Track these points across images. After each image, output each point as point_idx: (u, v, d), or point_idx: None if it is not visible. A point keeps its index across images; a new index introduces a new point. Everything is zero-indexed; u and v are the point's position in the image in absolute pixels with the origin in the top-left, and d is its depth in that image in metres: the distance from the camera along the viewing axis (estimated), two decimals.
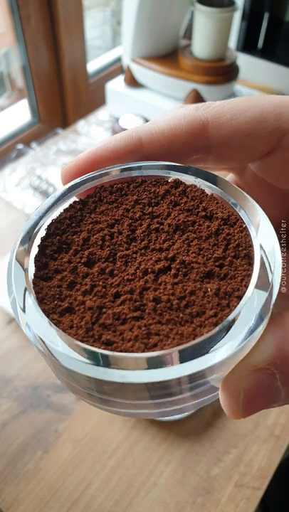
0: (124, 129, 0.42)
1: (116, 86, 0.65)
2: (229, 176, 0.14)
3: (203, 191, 0.11)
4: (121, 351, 0.09)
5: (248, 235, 0.10)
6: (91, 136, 0.65)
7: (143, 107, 0.63)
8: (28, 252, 0.11)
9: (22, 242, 0.11)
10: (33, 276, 0.11)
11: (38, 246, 0.11)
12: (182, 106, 0.12)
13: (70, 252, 0.11)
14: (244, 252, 0.10)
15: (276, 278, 0.10)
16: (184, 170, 0.12)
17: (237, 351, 0.09)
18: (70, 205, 0.12)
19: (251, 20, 0.71)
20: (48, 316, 0.10)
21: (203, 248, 0.10)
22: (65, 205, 0.12)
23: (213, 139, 0.12)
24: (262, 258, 0.10)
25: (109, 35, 0.93)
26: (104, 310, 0.10)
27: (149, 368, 0.09)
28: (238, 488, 0.33)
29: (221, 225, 0.11)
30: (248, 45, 0.73)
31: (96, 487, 0.33)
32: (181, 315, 0.09)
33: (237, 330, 0.09)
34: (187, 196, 0.12)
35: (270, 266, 0.10)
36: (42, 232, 0.11)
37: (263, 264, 0.10)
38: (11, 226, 0.52)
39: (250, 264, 0.10)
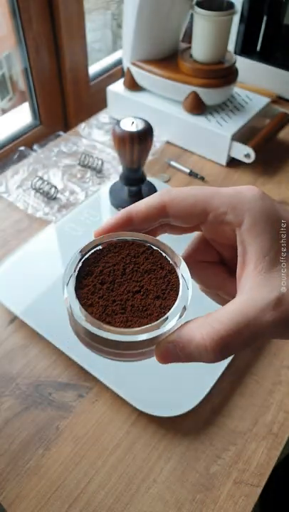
0: (125, 131, 0.41)
1: (116, 89, 0.66)
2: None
3: (160, 253, 0.22)
4: (113, 327, 0.20)
5: (178, 279, 0.21)
6: (92, 138, 0.65)
7: (143, 109, 0.63)
8: (74, 273, 0.22)
9: (73, 268, 0.22)
10: (74, 286, 0.22)
11: (78, 271, 0.22)
12: (160, 192, 0.22)
13: (92, 276, 0.22)
14: (174, 287, 0.21)
15: (188, 299, 0.21)
16: (153, 241, 0.22)
17: (165, 332, 0.19)
18: (94, 251, 0.23)
19: (250, 24, 0.71)
20: (82, 306, 0.21)
21: (157, 283, 0.21)
22: (92, 250, 0.23)
23: (170, 213, 0.21)
24: (183, 288, 0.21)
25: (109, 38, 0.93)
26: (108, 308, 0.20)
27: (122, 334, 0.19)
28: (236, 485, 0.34)
29: (166, 273, 0.22)
30: (246, 48, 0.74)
31: (97, 484, 0.34)
32: (143, 314, 0.20)
33: (169, 323, 0.20)
34: (153, 255, 0.22)
35: (187, 288, 0.21)
36: (80, 264, 0.22)
37: (182, 293, 0.21)
38: (14, 227, 0.53)
39: (177, 293, 0.21)
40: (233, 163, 0.61)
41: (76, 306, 0.21)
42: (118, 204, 0.51)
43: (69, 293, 0.21)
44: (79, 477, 0.34)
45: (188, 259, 0.24)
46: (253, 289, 0.19)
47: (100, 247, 0.23)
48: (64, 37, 0.65)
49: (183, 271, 0.21)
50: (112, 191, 0.52)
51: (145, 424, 0.36)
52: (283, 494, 0.46)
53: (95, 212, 0.51)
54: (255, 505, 0.33)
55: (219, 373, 0.38)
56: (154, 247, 0.22)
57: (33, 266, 0.46)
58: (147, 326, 0.19)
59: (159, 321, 0.19)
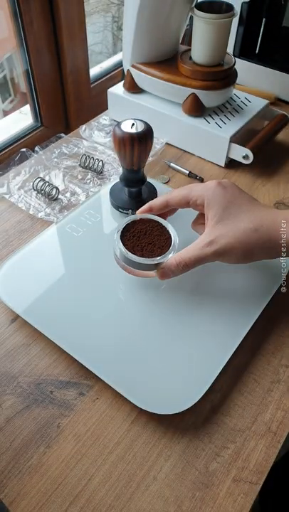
0: (125, 132, 0.43)
1: (117, 91, 0.66)
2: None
3: (164, 227, 0.43)
4: (134, 255, 0.40)
5: (171, 240, 0.41)
6: (93, 140, 0.66)
7: (143, 111, 0.64)
8: (120, 230, 0.42)
9: (121, 227, 0.42)
10: (120, 235, 0.41)
11: (122, 229, 0.42)
12: (168, 192, 0.43)
13: (129, 232, 0.42)
14: (168, 243, 0.41)
15: (175, 249, 0.41)
16: (161, 221, 0.43)
17: (161, 262, 0.40)
18: (132, 221, 0.43)
19: (249, 26, 0.72)
20: (123, 244, 0.41)
21: (160, 240, 0.42)
22: (131, 221, 0.43)
23: (171, 204, 0.42)
24: (172, 244, 0.41)
25: (110, 41, 0.94)
26: (134, 247, 0.41)
27: (140, 258, 0.40)
28: (235, 483, 0.34)
29: (166, 237, 0.42)
30: (245, 50, 0.74)
31: (97, 481, 0.34)
32: (150, 254, 0.41)
33: (166, 256, 0.40)
34: (161, 228, 0.43)
35: (174, 239, 0.42)
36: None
37: (172, 247, 0.41)
38: (15, 227, 0.53)
39: (169, 246, 0.41)
40: (231, 164, 0.62)
41: (120, 244, 0.41)
42: (118, 205, 0.51)
43: (117, 238, 0.41)
44: (80, 475, 0.34)
45: (193, 223, 0.44)
46: (203, 235, 0.39)
47: (134, 219, 0.43)
48: (65, 39, 0.66)
49: (174, 237, 0.41)
50: (113, 192, 0.52)
51: (145, 422, 0.37)
52: (282, 492, 0.47)
53: (95, 212, 0.52)
54: (254, 503, 0.34)
55: (218, 372, 0.38)
56: (162, 224, 0.42)
57: (35, 266, 0.46)
58: (152, 258, 0.40)
59: (158, 257, 0.40)
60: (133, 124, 0.44)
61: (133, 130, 0.44)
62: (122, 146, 0.44)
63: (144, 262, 0.40)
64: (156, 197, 0.49)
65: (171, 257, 0.40)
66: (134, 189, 0.50)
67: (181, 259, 0.38)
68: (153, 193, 0.52)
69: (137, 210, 0.44)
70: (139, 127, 0.44)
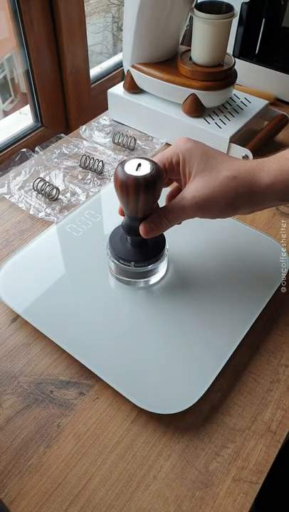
0: (129, 175, 0.35)
1: (117, 91, 0.67)
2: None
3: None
4: None
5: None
6: (93, 140, 0.66)
7: (144, 111, 0.64)
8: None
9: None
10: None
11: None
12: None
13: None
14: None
15: (166, 249, 0.44)
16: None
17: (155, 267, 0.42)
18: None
19: (248, 26, 0.72)
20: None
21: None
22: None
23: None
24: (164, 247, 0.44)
25: (110, 41, 0.94)
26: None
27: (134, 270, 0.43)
28: (235, 483, 0.34)
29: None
30: (245, 50, 0.74)
31: (97, 481, 0.34)
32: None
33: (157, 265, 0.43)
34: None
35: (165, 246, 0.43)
36: None
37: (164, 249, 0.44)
38: (16, 227, 0.53)
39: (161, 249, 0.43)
40: None
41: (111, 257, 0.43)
42: (119, 255, 0.42)
43: (108, 250, 0.43)
44: (80, 474, 0.34)
45: (167, 197, 0.42)
46: (183, 190, 0.38)
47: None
48: (65, 39, 0.66)
49: (165, 245, 0.44)
50: (112, 239, 0.43)
51: (145, 422, 0.37)
52: (278, 492, 0.47)
53: (95, 212, 0.52)
54: (253, 503, 0.34)
55: (218, 372, 0.38)
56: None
57: (35, 265, 0.46)
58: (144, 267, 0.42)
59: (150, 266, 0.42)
60: (139, 165, 0.35)
61: (139, 173, 0.35)
62: (125, 192, 0.35)
63: (136, 270, 0.41)
64: (163, 242, 0.44)
65: (154, 213, 0.38)
66: (138, 238, 0.40)
67: (164, 214, 0.38)
68: (161, 239, 0.44)
69: (139, 261, 0.41)
70: (146, 169, 0.35)
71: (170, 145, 0.65)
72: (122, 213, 0.40)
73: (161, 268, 0.44)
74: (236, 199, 0.36)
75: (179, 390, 0.37)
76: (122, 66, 0.67)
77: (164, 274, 0.45)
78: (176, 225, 0.39)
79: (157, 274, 0.44)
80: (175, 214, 0.37)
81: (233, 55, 0.71)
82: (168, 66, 0.62)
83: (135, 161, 0.36)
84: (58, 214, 0.54)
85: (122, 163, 0.36)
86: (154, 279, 0.44)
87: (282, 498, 0.50)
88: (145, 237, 0.38)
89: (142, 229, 0.38)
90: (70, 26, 0.66)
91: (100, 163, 0.60)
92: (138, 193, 0.35)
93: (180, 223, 0.40)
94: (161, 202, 0.40)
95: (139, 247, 0.42)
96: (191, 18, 0.59)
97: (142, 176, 0.34)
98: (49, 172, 0.60)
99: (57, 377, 0.39)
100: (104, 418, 0.37)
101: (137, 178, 0.34)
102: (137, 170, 0.35)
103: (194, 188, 0.36)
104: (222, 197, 0.36)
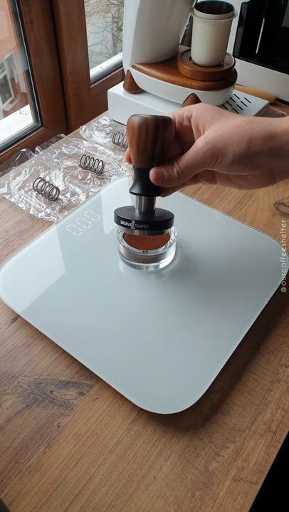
0: (147, 117, 0.35)
1: (117, 91, 0.67)
2: None
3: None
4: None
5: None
6: (93, 140, 0.66)
7: (143, 111, 0.64)
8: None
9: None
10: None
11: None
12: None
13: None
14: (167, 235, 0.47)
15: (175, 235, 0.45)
16: None
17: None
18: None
19: (248, 26, 0.72)
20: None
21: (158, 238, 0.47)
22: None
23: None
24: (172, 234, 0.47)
25: (110, 41, 0.94)
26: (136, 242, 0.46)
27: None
28: (235, 483, 0.34)
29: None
30: (245, 50, 0.74)
31: (97, 481, 0.34)
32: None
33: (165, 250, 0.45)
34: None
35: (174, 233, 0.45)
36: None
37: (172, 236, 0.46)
38: (16, 227, 0.53)
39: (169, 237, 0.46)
40: None
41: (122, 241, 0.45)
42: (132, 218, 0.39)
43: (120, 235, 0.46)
44: (80, 474, 0.34)
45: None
46: (197, 140, 0.35)
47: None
48: (65, 39, 0.66)
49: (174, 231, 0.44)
50: (119, 212, 0.40)
51: (145, 422, 0.37)
52: (275, 492, 0.47)
53: (95, 213, 0.52)
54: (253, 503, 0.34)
55: (218, 372, 0.38)
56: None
57: (35, 266, 0.46)
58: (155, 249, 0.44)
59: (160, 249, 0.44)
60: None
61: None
62: (144, 133, 0.35)
63: (146, 254, 0.43)
64: (171, 216, 0.41)
65: (167, 163, 0.36)
66: (150, 199, 0.39)
67: (176, 161, 0.35)
68: (168, 214, 0.41)
69: (153, 226, 0.38)
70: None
71: None
72: (129, 160, 0.37)
73: (169, 254, 0.46)
74: (252, 140, 0.33)
75: (179, 390, 0.37)
76: (122, 66, 0.67)
77: (167, 265, 0.46)
78: (174, 226, 0.38)
79: (165, 259, 0.46)
80: (188, 160, 0.34)
81: (233, 55, 0.71)
82: (168, 66, 0.62)
83: (139, 115, 0.35)
84: (58, 214, 0.54)
85: (133, 115, 0.35)
86: (162, 264, 0.46)
87: (282, 498, 0.50)
88: (155, 183, 0.36)
89: (152, 173, 0.35)
90: (70, 26, 0.66)
91: (100, 163, 0.60)
92: (157, 132, 0.34)
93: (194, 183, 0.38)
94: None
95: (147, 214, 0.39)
96: (191, 18, 0.59)
97: (160, 116, 0.35)
98: (49, 172, 0.60)
99: (57, 377, 0.39)
100: (105, 418, 0.37)
101: (156, 117, 0.34)
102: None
103: (207, 133, 0.34)
104: (236, 138, 0.33)
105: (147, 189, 0.37)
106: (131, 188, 0.38)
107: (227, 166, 0.34)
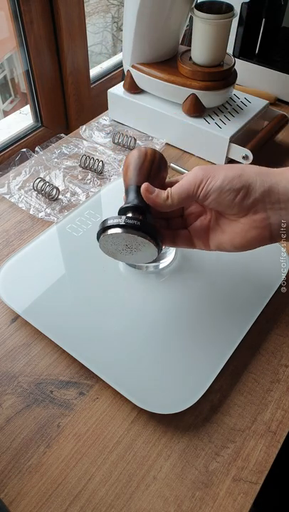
0: (147, 147, 0.36)
1: (117, 91, 0.67)
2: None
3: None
4: None
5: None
6: (93, 140, 0.66)
7: (143, 111, 0.64)
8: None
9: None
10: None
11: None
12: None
13: None
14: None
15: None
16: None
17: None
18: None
19: (248, 26, 0.72)
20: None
21: None
22: None
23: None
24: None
25: (110, 41, 0.94)
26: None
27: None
28: (235, 483, 0.34)
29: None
30: (245, 50, 0.74)
31: (97, 481, 0.34)
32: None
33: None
34: None
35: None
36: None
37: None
38: (16, 227, 0.53)
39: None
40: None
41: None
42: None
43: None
44: (80, 474, 0.34)
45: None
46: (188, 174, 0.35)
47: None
48: (65, 39, 0.66)
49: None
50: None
51: (145, 422, 0.37)
52: (275, 492, 0.47)
53: (95, 212, 0.52)
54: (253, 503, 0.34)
55: (218, 371, 0.38)
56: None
57: (35, 265, 0.46)
58: None
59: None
60: None
61: None
62: (143, 155, 0.37)
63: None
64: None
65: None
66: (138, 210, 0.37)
67: (170, 185, 0.36)
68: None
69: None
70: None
71: (170, 145, 0.65)
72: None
73: (169, 254, 0.46)
74: (245, 169, 0.34)
75: (179, 389, 0.37)
76: (122, 66, 0.67)
77: (167, 265, 0.46)
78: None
79: (165, 259, 0.46)
80: (179, 184, 0.35)
81: (233, 55, 0.71)
82: (168, 66, 0.62)
83: None
84: (58, 214, 0.54)
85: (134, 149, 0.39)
86: (162, 264, 0.46)
87: (282, 498, 0.50)
88: (143, 195, 0.35)
89: (143, 186, 0.35)
90: (70, 26, 0.66)
91: (100, 163, 0.60)
92: (154, 158, 0.38)
93: (182, 214, 0.38)
94: None
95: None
96: (191, 18, 0.59)
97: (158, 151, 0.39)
98: (49, 172, 0.60)
99: (57, 377, 0.39)
100: (105, 418, 0.37)
101: (155, 149, 0.39)
102: None
103: (203, 171, 0.34)
104: (228, 168, 0.34)
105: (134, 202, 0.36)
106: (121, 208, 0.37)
107: (218, 188, 0.33)
